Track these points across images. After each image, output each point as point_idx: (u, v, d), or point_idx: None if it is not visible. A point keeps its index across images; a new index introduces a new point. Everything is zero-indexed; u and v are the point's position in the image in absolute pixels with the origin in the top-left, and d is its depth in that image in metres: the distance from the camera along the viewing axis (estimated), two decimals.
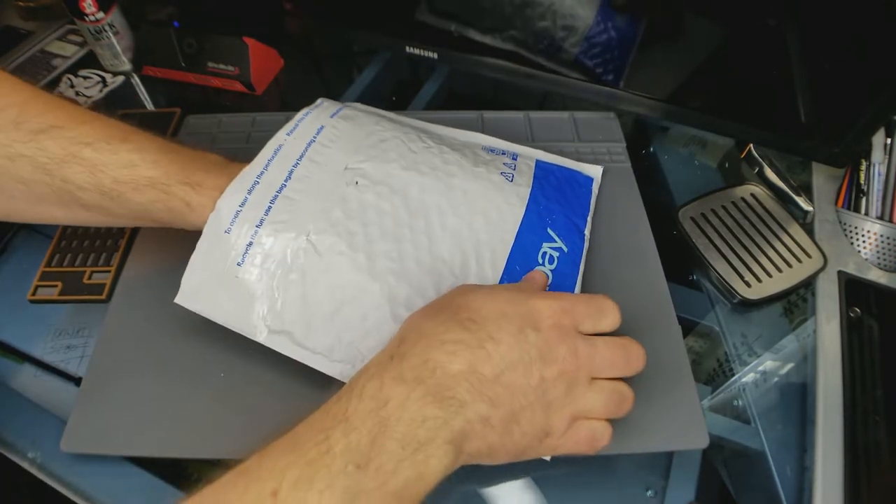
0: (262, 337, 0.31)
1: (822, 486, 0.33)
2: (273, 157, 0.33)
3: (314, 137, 0.35)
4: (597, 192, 0.41)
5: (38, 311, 0.39)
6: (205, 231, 0.31)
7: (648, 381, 0.33)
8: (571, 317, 0.27)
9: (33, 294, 0.39)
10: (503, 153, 0.41)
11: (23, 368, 0.38)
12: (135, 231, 0.41)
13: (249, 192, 0.32)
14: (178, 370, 0.33)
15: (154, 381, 0.33)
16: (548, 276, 0.34)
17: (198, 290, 0.31)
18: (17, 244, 0.44)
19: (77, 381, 0.37)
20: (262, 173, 0.32)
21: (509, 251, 0.34)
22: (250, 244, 0.31)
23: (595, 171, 0.42)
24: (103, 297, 0.38)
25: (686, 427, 0.32)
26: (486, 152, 0.40)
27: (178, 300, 0.31)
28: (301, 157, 0.34)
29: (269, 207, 0.31)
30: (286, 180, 0.32)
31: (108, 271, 0.39)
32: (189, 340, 0.34)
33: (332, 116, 0.37)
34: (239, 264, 0.31)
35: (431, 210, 0.34)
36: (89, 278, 0.39)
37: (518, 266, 0.34)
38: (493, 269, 0.34)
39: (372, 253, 0.32)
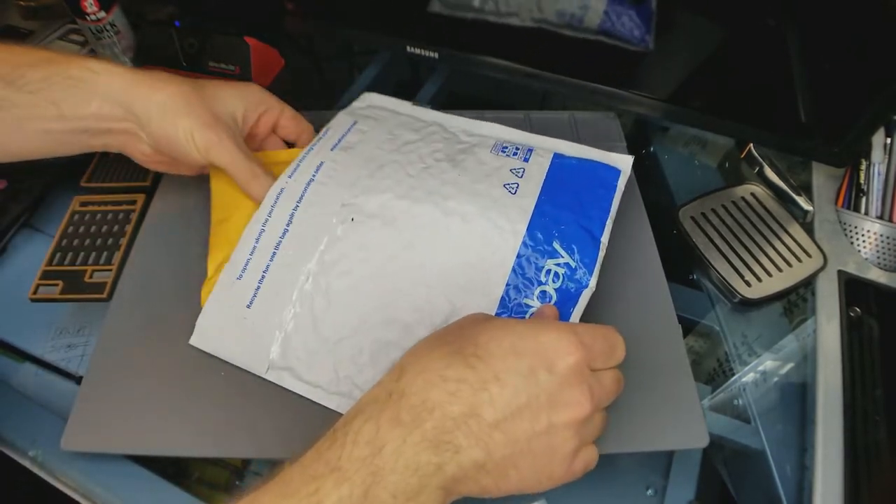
0: (265, 373, 0.32)
1: (822, 485, 0.33)
2: (276, 201, 0.35)
3: (313, 176, 0.36)
4: (623, 186, 0.37)
5: (39, 309, 0.39)
6: (219, 279, 0.34)
7: (648, 380, 0.33)
8: (588, 355, 0.25)
9: (34, 293, 0.39)
10: (516, 151, 0.38)
11: (24, 367, 0.38)
12: (136, 230, 0.41)
13: (257, 240, 0.34)
14: (179, 369, 0.33)
15: (154, 380, 0.33)
16: (552, 297, 0.33)
17: (210, 333, 0.33)
18: (18, 243, 0.44)
19: (78, 379, 0.37)
20: (267, 220, 0.35)
21: (508, 274, 0.33)
22: (258, 288, 0.33)
23: (623, 162, 0.38)
24: (104, 295, 0.38)
25: (686, 426, 0.32)
26: (495, 154, 0.38)
27: (192, 342, 0.33)
28: (300, 199, 0.35)
29: (274, 253, 0.34)
30: (288, 224, 0.34)
31: (110, 270, 0.39)
32: (189, 339, 0.34)
33: (332, 149, 0.38)
34: (248, 306, 0.33)
35: (425, 240, 0.33)
36: (90, 277, 0.39)
37: (517, 288, 0.33)
38: (489, 297, 0.32)
39: (364, 291, 0.33)
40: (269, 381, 0.33)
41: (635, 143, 0.50)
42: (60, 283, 0.39)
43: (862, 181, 0.45)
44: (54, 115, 0.33)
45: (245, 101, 0.38)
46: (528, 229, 0.33)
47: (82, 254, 0.40)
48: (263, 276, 0.33)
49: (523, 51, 0.45)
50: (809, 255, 0.42)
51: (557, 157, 0.38)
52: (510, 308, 0.32)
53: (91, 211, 0.43)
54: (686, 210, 0.44)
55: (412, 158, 0.37)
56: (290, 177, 0.36)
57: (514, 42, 0.45)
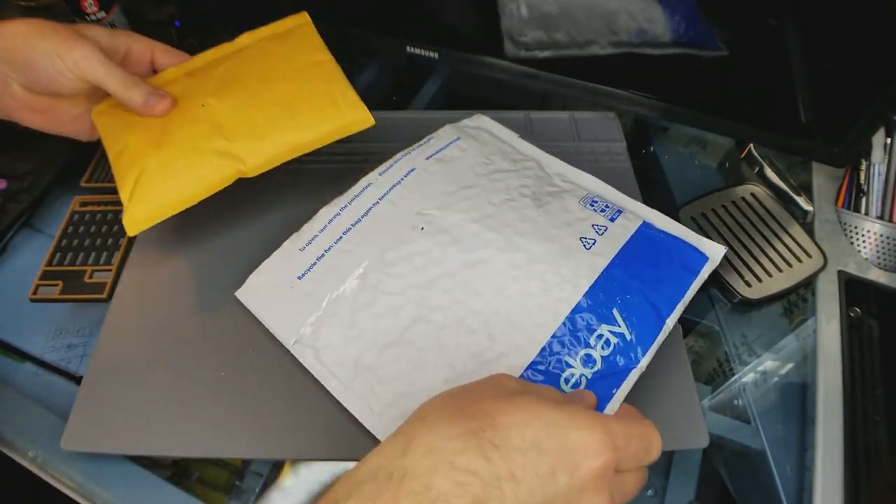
0: (291, 345, 0.33)
1: (822, 485, 0.33)
2: (360, 193, 0.37)
3: (401, 180, 0.37)
4: (706, 275, 0.34)
5: (39, 310, 0.39)
6: (284, 245, 0.35)
7: (648, 381, 0.33)
8: (618, 457, 0.23)
9: (34, 293, 0.39)
10: (605, 208, 0.36)
11: (23, 367, 0.38)
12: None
13: (330, 220, 0.36)
14: (179, 369, 0.33)
15: (154, 380, 0.33)
16: (596, 363, 0.30)
17: (257, 291, 0.35)
18: (18, 243, 0.44)
19: (77, 379, 0.37)
20: (346, 206, 0.36)
21: (558, 325, 0.31)
22: (314, 264, 0.34)
23: (714, 251, 0.35)
24: (104, 296, 0.38)
25: (686, 427, 0.32)
26: (582, 205, 0.36)
27: (237, 294, 0.35)
28: (383, 197, 0.36)
29: (340, 237, 0.35)
30: (363, 216, 0.36)
31: (109, 270, 0.39)
32: (189, 340, 0.34)
33: (427, 158, 0.38)
34: (299, 278, 0.34)
35: (485, 265, 0.33)
36: (90, 277, 0.39)
37: (563, 343, 0.31)
38: (531, 342, 0.31)
39: (410, 299, 0.32)
40: (269, 382, 0.33)
41: (635, 143, 0.50)
42: (60, 283, 0.39)
43: (862, 181, 0.45)
44: None
45: (110, 33, 0.37)
46: (591, 287, 0.32)
47: (82, 254, 0.40)
48: (323, 255, 0.34)
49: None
50: (809, 255, 0.42)
51: (645, 226, 0.35)
52: (548, 361, 0.30)
53: (91, 211, 0.43)
54: (686, 210, 0.44)
55: (499, 187, 0.37)
56: (380, 174, 0.38)
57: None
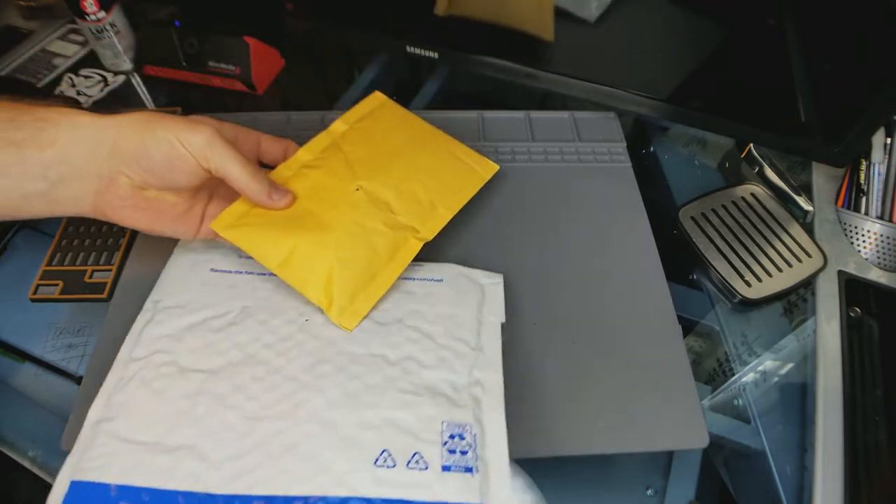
0: (151, 300, 0.34)
1: (822, 485, 0.33)
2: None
3: None
4: None
5: (39, 310, 0.39)
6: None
7: (648, 380, 0.33)
8: None
9: (34, 293, 0.39)
10: (460, 452, 0.27)
11: (24, 367, 0.38)
12: (136, 231, 0.41)
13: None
14: None
15: None
16: None
17: (193, 251, 0.36)
18: (18, 243, 0.44)
19: (78, 380, 0.37)
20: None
21: (247, 491, 0.26)
22: (230, 271, 0.35)
23: None
24: (104, 295, 0.38)
25: (686, 427, 0.32)
26: (443, 428, 0.28)
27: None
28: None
29: (263, 274, 0.35)
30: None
31: (109, 270, 0.39)
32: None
33: (407, 281, 0.36)
34: (212, 271, 0.35)
35: (286, 385, 0.30)
36: (90, 277, 0.39)
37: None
38: (216, 473, 0.27)
39: (231, 359, 0.31)
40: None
41: (635, 143, 0.50)
42: (60, 283, 0.39)
43: (862, 181, 0.45)
44: (14, 160, 0.28)
45: (218, 122, 0.34)
46: (325, 498, 0.26)
47: (82, 254, 0.40)
48: (241, 273, 0.35)
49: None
50: (809, 255, 0.42)
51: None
52: None
53: None
54: (686, 210, 0.44)
55: (397, 342, 0.32)
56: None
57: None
